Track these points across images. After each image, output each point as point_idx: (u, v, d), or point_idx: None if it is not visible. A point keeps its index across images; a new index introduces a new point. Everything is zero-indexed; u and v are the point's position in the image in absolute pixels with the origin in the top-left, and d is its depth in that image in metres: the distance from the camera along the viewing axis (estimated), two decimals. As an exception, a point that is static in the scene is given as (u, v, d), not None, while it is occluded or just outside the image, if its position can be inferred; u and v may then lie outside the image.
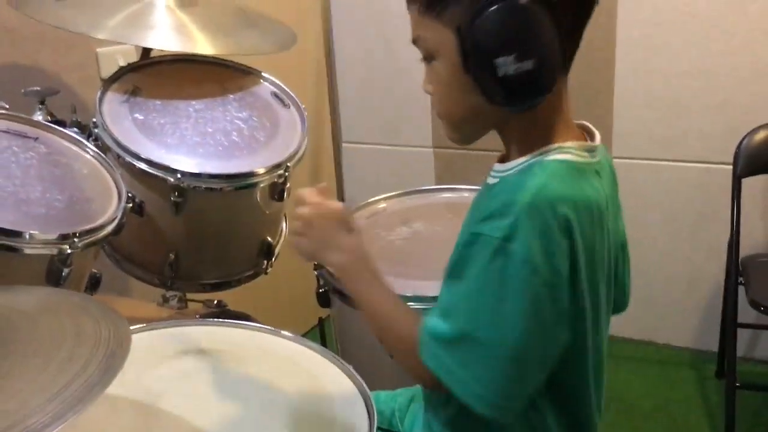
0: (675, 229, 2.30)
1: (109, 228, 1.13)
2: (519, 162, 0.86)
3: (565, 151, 0.84)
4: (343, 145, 2.80)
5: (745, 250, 2.02)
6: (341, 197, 2.83)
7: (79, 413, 0.60)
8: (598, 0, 0.84)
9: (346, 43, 2.67)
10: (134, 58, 1.79)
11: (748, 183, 1.99)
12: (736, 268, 1.98)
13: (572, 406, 0.91)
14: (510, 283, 0.78)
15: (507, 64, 0.77)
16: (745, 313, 1.92)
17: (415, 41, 0.88)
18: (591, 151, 0.87)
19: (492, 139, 0.93)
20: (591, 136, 0.91)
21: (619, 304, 1.02)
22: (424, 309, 0.94)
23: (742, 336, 2.16)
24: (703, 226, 2.25)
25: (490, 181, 0.91)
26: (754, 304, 1.84)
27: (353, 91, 2.72)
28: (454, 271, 0.84)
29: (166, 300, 1.50)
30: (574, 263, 0.80)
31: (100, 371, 0.65)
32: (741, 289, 1.94)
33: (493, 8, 0.76)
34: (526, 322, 0.79)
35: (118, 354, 0.69)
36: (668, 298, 2.35)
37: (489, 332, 0.80)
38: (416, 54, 0.89)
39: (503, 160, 0.91)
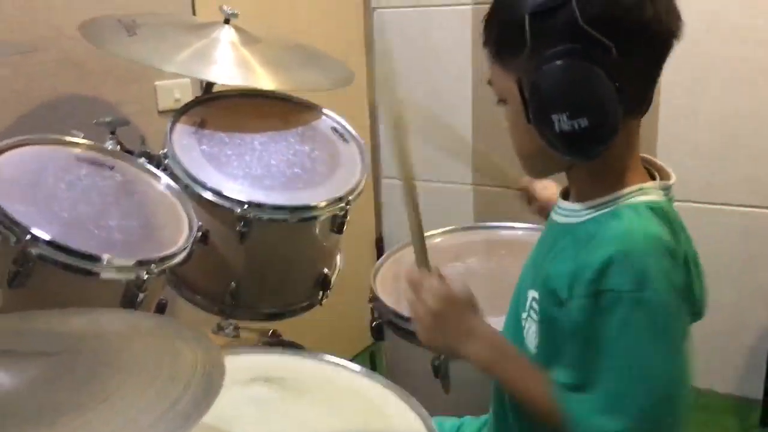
0: (720, 274, 2.28)
1: (182, 256, 1.16)
2: (597, 203, 0.86)
3: (647, 193, 0.85)
4: (383, 180, 2.83)
5: (791, 296, 2.01)
6: (379, 232, 2.85)
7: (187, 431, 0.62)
8: (674, 40, 0.85)
9: (389, 80, 2.72)
10: (190, 92, 1.85)
11: (795, 229, 1.99)
12: (783, 314, 1.96)
13: None
14: (661, 334, 0.78)
15: (562, 121, 0.78)
16: (793, 360, 1.90)
17: (489, 83, 0.90)
18: (666, 189, 0.88)
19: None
20: (660, 172, 0.92)
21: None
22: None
23: (788, 384, 2.13)
24: (748, 271, 2.23)
25: (559, 219, 0.92)
26: (803, 351, 1.82)
27: (395, 127, 2.76)
28: (587, 340, 0.80)
29: (221, 328, 1.52)
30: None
31: (202, 390, 0.67)
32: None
33: (547, 66, 0.78)
34: (685, 371, 0.79)
35: (215, 374, 0.71)
36: (712, 343, 2.32)
37: (663, 396, 0.78)
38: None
39: (565, 195, 0.93)
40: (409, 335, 1.31)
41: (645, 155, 0.94)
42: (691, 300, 0.86)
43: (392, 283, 1.46)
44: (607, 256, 0.78)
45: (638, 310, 0.77)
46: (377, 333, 1.40)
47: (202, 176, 1.32)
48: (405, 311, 1.33)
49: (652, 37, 0.81)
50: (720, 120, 2.18)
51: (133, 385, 0.68)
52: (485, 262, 1.52)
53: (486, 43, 0.88)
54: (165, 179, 1.29)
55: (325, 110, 1.58)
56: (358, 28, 2.69)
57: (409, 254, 1.59)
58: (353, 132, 1.54)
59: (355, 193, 1.41)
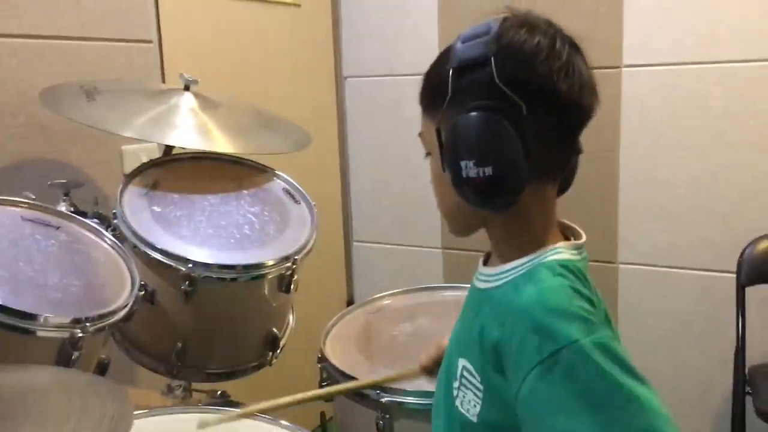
0: (683, 337, 2.29)
1: (121, 314, 1.17)
2: (513, 266, 0.89)
3: (559, 252, 0.88)
4: (354, 243, 2.86)
5: (752, 360, 2.01)
6: (350, 295, 2.86)
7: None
8: (585, 116, 0.88)
9: (359, 145, 2.79)
10: (157, 155, 1.89)
11: (752, 292, 2.01)
12: (743, 378, 1.96)
13: None
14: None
15: (469, 167, 0.82)
16: (755, 424, 1.89)
17: (420, 135, 0.96)
18: (578, 248, 0.91)
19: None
20: (574, 234, 0.95)
21: None
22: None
23: (753, 447, 2.11)
24: (711, 334, 2.25)
25: (480, 285, 0.94)
26: (761, 414, 1.82)
27: (366, 191, 2.81)
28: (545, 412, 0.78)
29: (170, 389, 1.51)
30: None
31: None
32: (749, 399, 1.92)
33: (461, 116, 0.83)
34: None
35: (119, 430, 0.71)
36: (679, 405, 2.31)
37: None
38: (428, 161, 0.96)
39: (487, 260, 0.96)
40: (355, 396, 1.32)
41: (560, 219, 0.96)
42: None
43: (343, 345, 1.47)
44: (529, 323, 0.79)
45: (581, 368, 0.76)
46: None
47: (150, 236, 1.34)
48: (351, 372, 1.33)
49: (563, 106, 0.86)
50: (678, 186, 2.23)
51: (33, 439, 0.69)
52: (435, 322, 1.54)
53: (419, 96, 0.94)
54: (111, 239, 1.32)
55: (278, 172, 1.62)
56: (330, 97, 2.77)
57: (361, 316, 1.61)
58: (304, 192, 1.57)
59: (303, 252, 1.43)
